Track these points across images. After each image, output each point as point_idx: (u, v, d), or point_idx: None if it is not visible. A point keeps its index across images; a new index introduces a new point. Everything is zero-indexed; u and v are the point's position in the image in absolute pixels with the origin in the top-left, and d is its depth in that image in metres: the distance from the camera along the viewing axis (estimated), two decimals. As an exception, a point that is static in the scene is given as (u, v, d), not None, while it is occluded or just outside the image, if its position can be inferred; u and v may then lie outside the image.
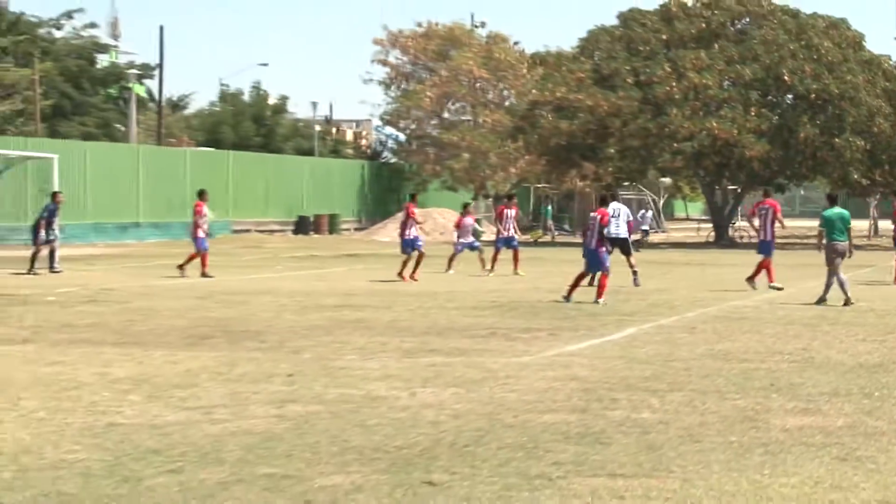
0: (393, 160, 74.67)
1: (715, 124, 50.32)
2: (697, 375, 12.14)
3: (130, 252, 41.46)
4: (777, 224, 24.56)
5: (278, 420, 9.65)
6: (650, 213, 54.70)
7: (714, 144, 50.98)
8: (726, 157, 52.33)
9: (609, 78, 53.31)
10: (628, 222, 25.84)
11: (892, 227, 28.89)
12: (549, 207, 66.49)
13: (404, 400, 10.66)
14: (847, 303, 20.33)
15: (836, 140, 50.38)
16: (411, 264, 27.33)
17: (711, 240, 55.46)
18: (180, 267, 27.96)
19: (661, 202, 78.34)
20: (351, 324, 17.19)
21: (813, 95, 51.01)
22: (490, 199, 68.35)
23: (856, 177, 51.50)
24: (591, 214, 21.85)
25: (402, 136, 72.74)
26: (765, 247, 24.49)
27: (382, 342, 14.92)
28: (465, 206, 31.60)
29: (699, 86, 51.58)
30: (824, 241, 21.17)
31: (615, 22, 56.44)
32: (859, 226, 75.82)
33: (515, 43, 69.74)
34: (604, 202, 22.59)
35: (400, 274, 27.12)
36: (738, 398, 10.73)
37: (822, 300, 20.67)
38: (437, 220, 62.15)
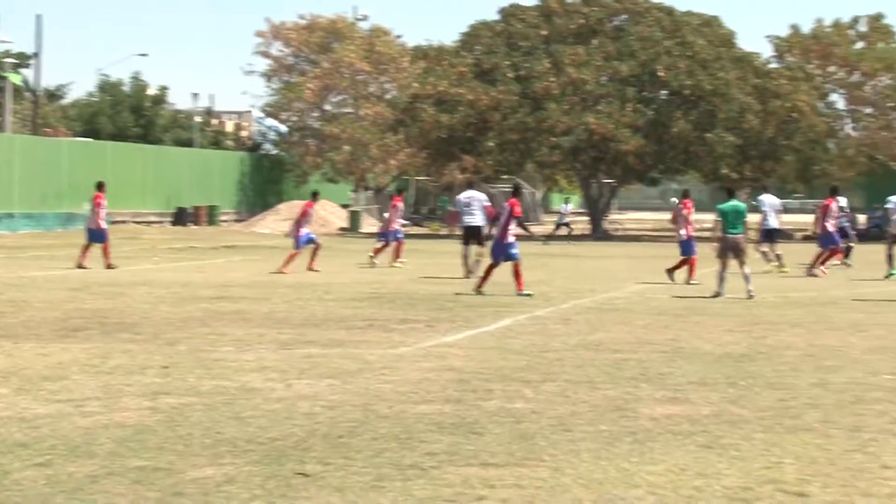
0: (274, 152, 74.10)
1: (592, 119, 50.91)
2: (570, 366, 12.26)
3: (3, 243, 40.51)
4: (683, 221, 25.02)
5: (151, 412, 9.52)
6: (569, 206, 54.64)
7: (591, 139, 51.57)
8: (603, 151, 52.99)
9: (489, 72, 53.60)
10: (486, 207, 26.10)
11: (759, 219, 29.59)
12: (448, 198, 66.67)
13: (280, 391, 10.59)
14: (750, 295, 20.45)
15: (708, 135, 51.33)
16: (305, 256, 27.25)
17: (588, 232, 56.08)
18: (80, 257, 27.35)
19: (540, 195, 79.01)
20: (228, 315, 17.02)
21: (687, 91, 51.89)
22: (370, 192, 68.26)
23: (726, 171, 52.52)
24: (504, 205, 21.69)
25: (283, 128, 72.25)
26: (687, 246, 24.75)
27: (259, 334, 14.81)
28: (315, 194, 30.69)
29: (577, 81, 52.14)
30: (719, 234, 21.41)
31: (496, 17, 56.77)
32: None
33: (397, 36, 69.69)
34: (516, 192, 22.28)
35: (282, 269, 26.98)
36: (608, 388, 10.87)
37: (717, 294, 20.71)
38: (317, 213, 61.83)
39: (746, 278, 20.85)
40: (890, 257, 26.35)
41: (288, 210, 61.60)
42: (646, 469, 7.71)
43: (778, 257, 28.73)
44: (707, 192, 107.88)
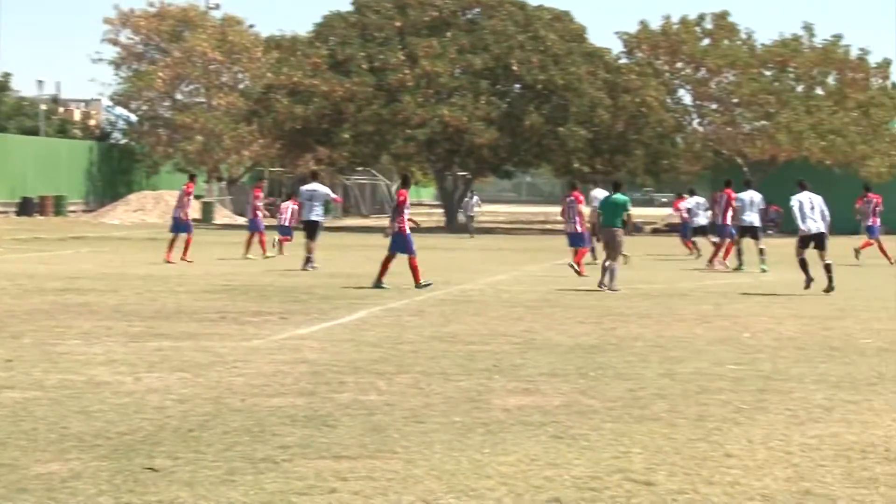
0: (123, 141, 72.73)
1: (446, 112, 51.15)
2: (424, 357, 12.30)
3: None
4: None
5: (-6, 408, 9.27)
6: (475, 199, 53.91)
7: (445, 131, 51.82)
8: (457, 143, 53.28)
9: (344, 63, 53.44)
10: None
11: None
12: (326, 191, 66.11)
13: (129, 385, 10.41)
14: (601, 284, 20.64)
15: (561, 129, 51.99)
16: (180, 246, 27.39)
17: (442, 225, 56.32)
18: None
19: (394, 187, 79.04)
20: (75, 308, 16.66)
21: (539, 86, 52.47)
22: (224, 182, 67.47)
23: (578, 165, 53.27)
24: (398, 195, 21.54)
25: (133, 117, 70.96)
26: (576, 239, 24.86)
27: (108, 326, 14.53)
28: (192, 176, 30.33)
29: (431, 73, 52.32)
30: (599, 225, 21.85)
31: (350, 8, 56.60)
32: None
33: (250, 26, 69.05)
34: (405, 183, 22.17)
35: (182, 257, 27.17)
36: (462, 379, 10.94)
37: (602, 284, 20.74)
38: (169, 203, 60.91)
39: (607, 270, 21.03)
40: (739, 252, 27.01)
41: (138, 201, 60.52)
42: (498, 460, 7.78)
43: (592, 250, 29.00)
44: (560, 186, 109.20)
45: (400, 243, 20.81)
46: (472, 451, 8.02)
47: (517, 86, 55.02)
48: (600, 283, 20.81)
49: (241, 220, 42.20)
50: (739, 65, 55.53)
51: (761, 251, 26.33)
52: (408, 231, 20.79)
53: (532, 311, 17.12)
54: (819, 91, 56.68)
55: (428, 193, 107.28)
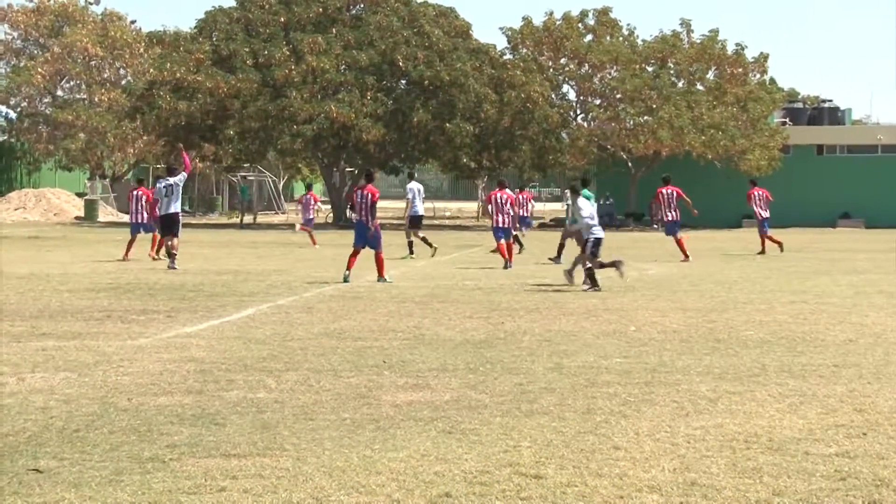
0: (2, 139, 71.18)
1: (333, 108, 50.96)
2: (313, 354, 12.25)
3: None
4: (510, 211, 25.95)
5: None
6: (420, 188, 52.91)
7: (332, 127, 51.64)
8: (344, 139, 53.12)
9: (228, 59, 52.94)
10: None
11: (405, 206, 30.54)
12: (246, 187, 65.39)
13: (11, 386, 10.19)
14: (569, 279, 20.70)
15: (448, 125, 52.10)
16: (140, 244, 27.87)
17: (330, 220, 56.15)
18: None
19: (282, 183, 78.58)
20: (-46, 309, 16.26)
21: (426, 82, 52.51)
22: (107, 180, 66.42)
23: (465, 160, 53.46)
24: (361, 192, 21.56)
25: (12, 114, 69.48)
26: (501, 232, 25.64)
27: (-11, 328, 14.21)
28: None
29: (317, 69, 52.08)
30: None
31: (233, 4, 56.09)
32: (469, 207, 78.52)
33: (132, 22, 68.06)
34: (369, 178, 22.33)
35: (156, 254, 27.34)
36: (351, 376, 10.91)
37: (568, 275, 20.82)
38: (51, 201, 59.82)
39: (575, 262, 21.35)
40: (561, 246, 27.63)
41: (19, 199, 59.28)
42: (388, 456, 7.78)
43: (411, 244, 29.09)
44: (447, 180, 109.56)
45: (369, 238, 21.37)
46: (363, 448, 8.01)
47: (403, 82, 55.04)
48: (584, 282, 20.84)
49: (126, 218, 41.54)
50: (621, 61, 56.23)
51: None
52: (378, 227, 21.43)
53: (421, 307, 17.14)
54: (699, 86, 57.62)
55: (315, 190, 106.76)
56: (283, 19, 54.18)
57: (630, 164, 57.41)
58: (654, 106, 54.36)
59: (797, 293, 19.78)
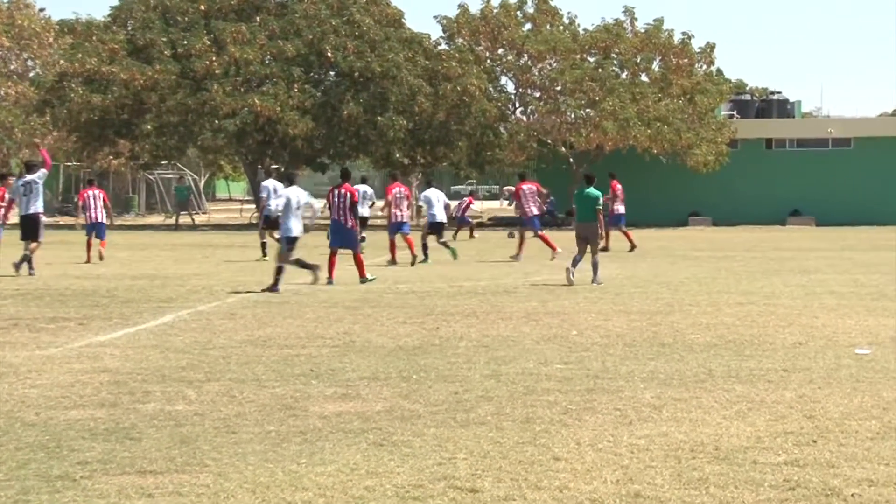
0: None
1: (257, 101, 50.75)
2: (236, 363, 12.20)
3: None
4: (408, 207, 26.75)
5: None
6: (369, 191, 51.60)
7: (257, 122, 51.41)
8: (269, 134, 52.91)
9: (144, 49, 52.55)
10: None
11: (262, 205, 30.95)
12: (184, 187, 64.74)
13: None
14: (595, 280, 21.65)
15: (379, 119, 52.07)
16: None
17: (255, 221, 55.90)
18: None
19: (202, 181, 78.14)
20: None
21: (356, 73, 52.43)
22: (13, 178, 65.61)
23: (398, 156, 53.45)
24: (339, 192, 22.04)
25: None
26: (392, 227, 27.51)
27: None
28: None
29: (240, 60, 51.84)
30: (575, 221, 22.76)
31: (151, -10, 55.68)
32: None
33: (41, 10, 67.26)
34: (346, 177, 22.82)
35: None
36: (277, 386, 10.88)
37: (569, 281, 21.49)
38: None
39: (594, 266, 21.99)
40: (425, 246, 28.22)
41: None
42: (315, 470, 7.76)
43: (264, 246, 29.11)
44: (380, 178, 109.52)
45: (346, 238, 22.01)
46: (288, 462, 7.98)
47: (332, 73, 54.92)
48: (568, 279, 21.57)
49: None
50: (562, 51, 56.46)
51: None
52: (357, 227, 22.25)
53: (351, 312, 17.12)
54: (644, 77, 58.00)
55: (239, 189, 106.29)
56: (203, 7, 53.86)
57: (571, 159, 57.65)
58: (597, 98, 54.63)
59: (745, 294, 19.98)
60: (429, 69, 53.98)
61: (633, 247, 32.30)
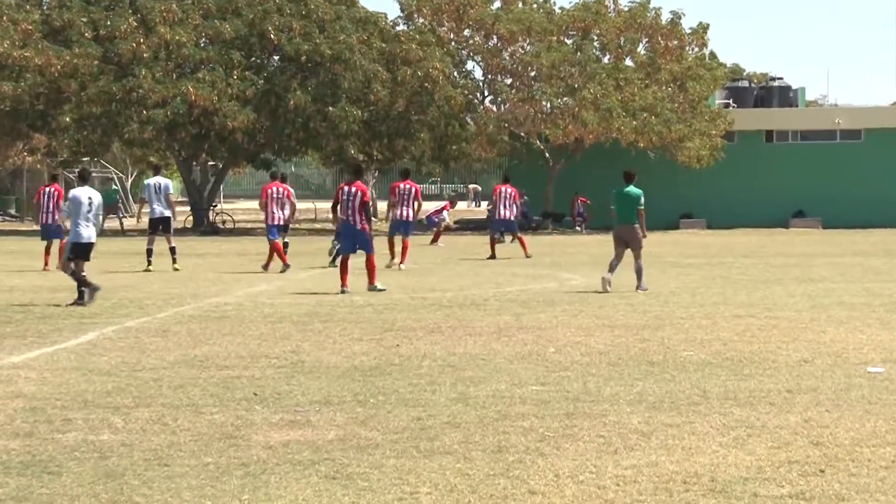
0: None
1: (191, 89, 50.61)
2: (169, 387, 12.17)
3: None
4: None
5: None
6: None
7: (190, 113, 51.28)
8: (205, 127, 52.80)
9: (62, 31, 52.31)
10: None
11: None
12: (112, 190, 64.54)
13: None
14: (640, 287, 22.47)
15: (330, 109, 52.01)
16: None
17: (189, 225, 55.76)
18: None
19: (130, 181, 77.85)
20: None
21: (303, 57, 52.36)
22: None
23: (352, 152, 53.39)
24: (349, 189, 22.32)
25: None
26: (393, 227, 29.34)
27: None
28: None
29: (171, 43, 51.68)
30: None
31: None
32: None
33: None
34: (358, 173, 23.10)
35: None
36: (215, 412, 10.87)
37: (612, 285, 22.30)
38: None
39: (637, 272, 22.62)
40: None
41: None
42: (260, 507, 7.76)
43: (149, 252, 28.99)
44: (331, 176, 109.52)
45: (358, 241, 22.43)
46: (229, 498, 7.97)
47: (276, 58, 54.83)
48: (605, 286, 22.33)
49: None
50: (536, 32, 56.59)
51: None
52: (369, 228, 22.60)
53: (300, 328, 17.10)
54: (628, 62, 58.18)
55: (173, 189, 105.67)
56: (129, -18, 53.69)
57: (548, 154, 57.81)
58: (576, 85, 54.78)
59: (744, 306, 20.08)
60: (386, 53, 53.99)
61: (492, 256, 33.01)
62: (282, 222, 28.32)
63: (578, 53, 56.25)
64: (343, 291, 22.18)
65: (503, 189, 33.70)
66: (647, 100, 54.53)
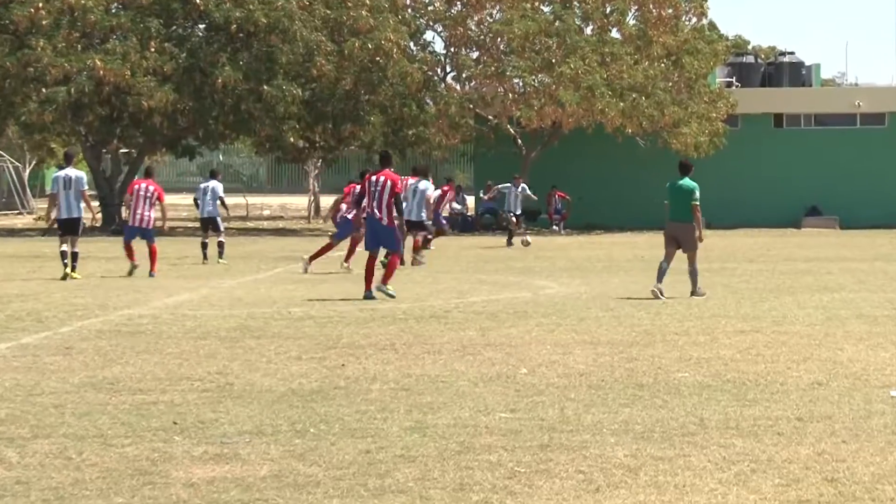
0: None
1: (100, 63, 50.41)
2: (73, 414, 12.13)
3: None
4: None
5: None
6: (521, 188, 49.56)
7: (99, 91, 51.08)
8: (117, 108, 52.62)
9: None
10: None
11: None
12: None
13: None
14: (695, 293, 23.49)
15: (266, 88, 51.89)
16: None
17: (98, 224, 55.52)
18: None
19: (27, 171, 77.55)
20: None
21: (234, 26, 52.24)
22: None
23: (291, 137, 53.30)
24: (377, 179, 22.76)
25: None
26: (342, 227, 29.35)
27: None
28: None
29: (76, 8, 51.47)
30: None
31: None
32: (296, 203, 78.45)
33: None
34: (386, 162, 23.52)
35: None
36: (127, 444, 10.84)
37: (655, 294, 22.93)
38: None
39: (691, 276, 23.40)
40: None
41: None
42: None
43: (63, 256, 29.05)
44: (266, 166, 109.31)
45: (385, 238, 22.99)
46: (144, 546, 7.96)
47: (202, 27, 54.71)
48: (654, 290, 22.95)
49: None
50: (508, -3, 56.68)
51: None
52: (396, 225, 23.26)
53: (228, 345, 17.08)
54: (615, 34, 58.26)
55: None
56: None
57: (520, 140, 57.88)
58: (554, 60, 54.87)
59: (748, 319, 20.16)
60: (331, 21, 53.94)
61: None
62: (148, 225, 29.36)
63: (557, 23, 56.33)
64: (368, 296, 22.85)
65: (409, 183, 33.38)
66: (636, 78, 54.66)
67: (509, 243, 42.53)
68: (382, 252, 24.03)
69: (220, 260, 33.35)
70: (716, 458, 10.38)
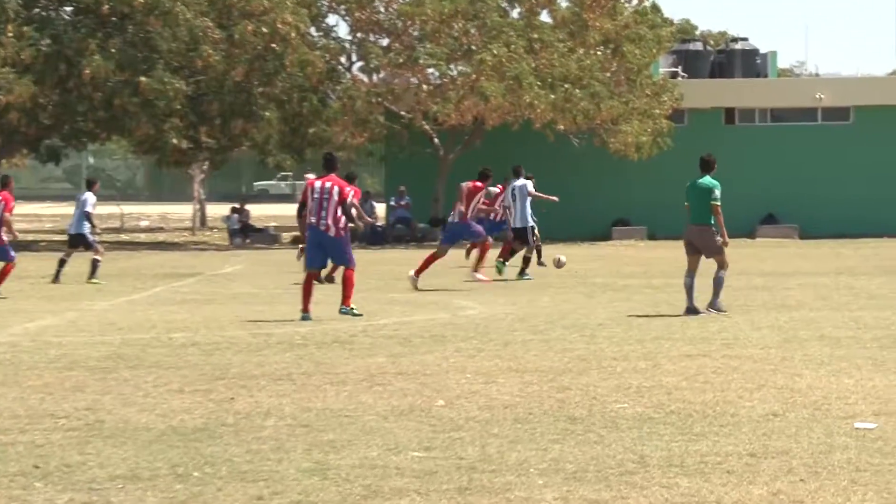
0: None
1: (-53, 50, 50.13)
2: (-83, 458, 12.07)
3: None
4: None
5: None
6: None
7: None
8: (-32, 103, 52.34)
9: None
10: None
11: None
12: None
13: None
14: (713, 306, 23.82)
15: (143, 80, 51.69)
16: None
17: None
18: None
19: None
20: None
21: (105, 7, 52.02)
22: None
23: (172, 137, 53.11)
24: (322, 186, 23.03)
25: None
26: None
27: None
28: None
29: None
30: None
31: None
32: (178, 213, 78.13)
33: None
34: (331, 166, 23.61)
35: None
36: (-18, 491, 10.79)
37: (689, 310, 23.53)
38: None
39: (714, 284, 23.75)
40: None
41: None
42: None
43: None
44: (144, 170, 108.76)
45: (332, 252, 23.94)
46: None
47: (68, 9, 54.46)
48: (687, 310, 23.61)
49: None
50: (421, -24, 56.76)
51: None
52: (345, 234, 23.51)
53: (99, 376, 17.00)
54: (545, 17, 58.40)
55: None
56: None
57: (437, 140, 57.93)
58: (474, 47, 54.97)
59: (695, 342, 20.28)
60: (219, 2, 53.82)
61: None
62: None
63: (477, 4, 56.37)
64: (304, 317, 23.11)
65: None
66: (569, 67, 54.84)
67: (540, 263, 38.58)
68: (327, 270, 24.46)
69: (92, 279, 32.96)
70: (658, 499, 10.44)
